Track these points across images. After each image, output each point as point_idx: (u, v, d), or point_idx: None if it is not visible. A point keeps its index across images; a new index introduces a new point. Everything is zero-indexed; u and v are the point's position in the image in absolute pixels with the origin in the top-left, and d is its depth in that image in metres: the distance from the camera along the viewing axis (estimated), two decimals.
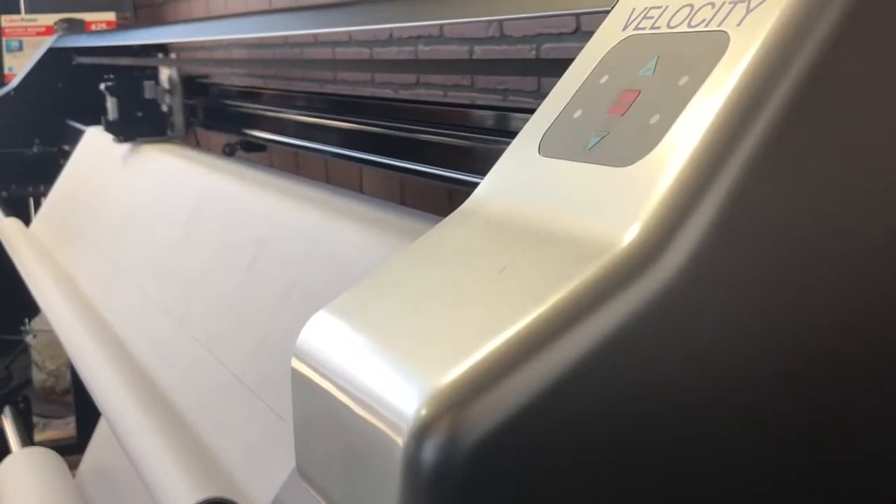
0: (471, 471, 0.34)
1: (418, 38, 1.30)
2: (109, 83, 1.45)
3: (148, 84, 1.46)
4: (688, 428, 0.36)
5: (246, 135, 1.33)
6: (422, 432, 0.34)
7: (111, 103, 1.45)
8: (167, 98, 1.46)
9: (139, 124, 1.46)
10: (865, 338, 0.38)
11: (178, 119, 1.47)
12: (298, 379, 0.42)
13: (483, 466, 0.34)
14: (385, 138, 0.98)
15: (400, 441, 0.34)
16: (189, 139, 1.77)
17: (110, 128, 1.46)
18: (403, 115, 0.98)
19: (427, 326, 0.38)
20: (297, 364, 0.42)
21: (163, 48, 1.88)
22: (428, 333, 0.37)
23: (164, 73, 1.47)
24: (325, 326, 0.42)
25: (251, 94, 1.39)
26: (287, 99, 1.29)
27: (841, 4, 0.35)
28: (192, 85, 1.49)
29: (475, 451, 0.33)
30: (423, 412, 0.34)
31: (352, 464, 0.38)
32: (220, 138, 1.42)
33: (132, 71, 1.54)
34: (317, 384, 0.40)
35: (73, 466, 1.51)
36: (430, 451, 0.34)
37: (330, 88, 1.58)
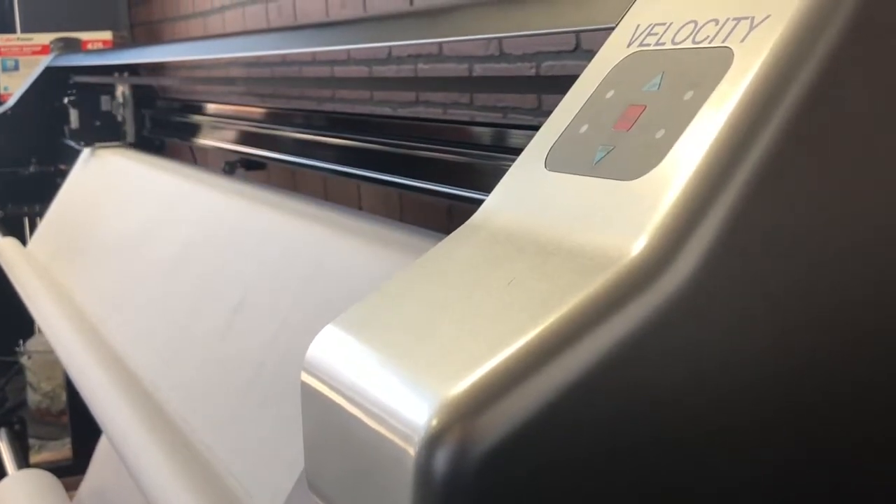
0: (482, 480, 0.34)
1: (417, 56, 1.31)
2: (72, 97, 1.77)
3: (105, 98, 1.80)
4: (696, 437, 0.36)
5: (244, 152, 1.34)
6: (433, 442, 0.34)
7: (73, 115, 1.77)
8: (121, 110, 1.79)
9: (98, 132, 1.79)
10: (874, 347, 0.38)
11: (130, 128, 1.81)
12: (308, 392, 0.42)
13: (494, 476, 0.34)
14: (384, 155, 0.99)
15: (412, 451, 0.34)
16: (185, 155, 1.78)
17: (73, 136, 1.78)
18: (402, 132, 0.99)
19: (436, 338, 0.38)
20: (306, 378, 0.42)
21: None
22: (437, 345, 0.38)
23: (119, 89, 1.78)
24: (333, 340, 0.42)
25: (194, 107, 1.59)
26: (285, 117, 1.29)
27: (843, 21, 0.36)
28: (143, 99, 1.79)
29: (486, 460, 0.34)
30: (435, 422, 0.34)
31: (362, 475, 0.38)
32: (219, 155, 1.43)
33: (94, 88, 1.84)
34: (327, 397, 0.41)
35: (69, 488, 1.51)
36: (441, 461, 0.34)
37: (328, 107, 1.59)
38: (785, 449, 0.38)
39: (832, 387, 0.38)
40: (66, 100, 1.78)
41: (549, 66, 1.05)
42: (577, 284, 0.36)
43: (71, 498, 1.47)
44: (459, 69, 1.22)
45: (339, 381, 0.40)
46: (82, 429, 1.87)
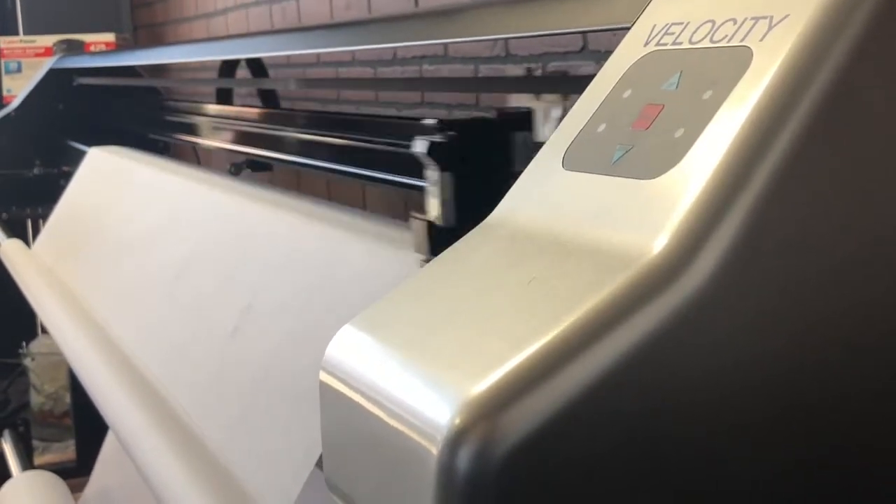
0: (505, 478, 0.34)
1: (422, 57, 1.31)
2: (438, 139, 0.61)
3: (522, 139, 0.62)
4: (717, 435, 0.36)
5: (249, 154, 1.34)
6: (456, 441, 0.34)
7: (441, 185, 0.60)
8: None
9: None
10: (891, 344, 0.38)
11: None
12: (327, 392, 0.42)
13: (517, 474, 0.34)
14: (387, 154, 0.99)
15: (434, 450, 0.35)
16: (189, 157, 1.78)
17: (439, 241, 0.60)
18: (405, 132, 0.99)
19: (457, 337, 0.38)
20: (325, 377, 0.42)
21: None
22: (458, 343, 0.38)
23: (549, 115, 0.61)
24: (352, 339, 0.42)
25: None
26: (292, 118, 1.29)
27: (862, 20, 0.36)
28: None
29: (509, 459, 0.34)
30: (458, 421, 0.34)
31: (383, 474, 0.38)
32: (224, 157, 1.43)
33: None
34: (346, 396, 0.41)
35: (73, 490, 1.51)
36: (464, 460, 0.34)
37: (333, 108, 1.59)
38: (804, 448, 0.38)
39: (852, 386, 0.38)
40: (420, 146, 0.60)
41: (556, 67, 1.05)
42: (598, 283, 0.36)
43: (76, 499, 1.48)
44: (465, 70, 1.23)
45: (358, 381, 0.40)
46: (86, 430, 1.87)
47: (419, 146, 0.61)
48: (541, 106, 0.60)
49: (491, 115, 0.62)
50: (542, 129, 0.60)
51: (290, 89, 1.78)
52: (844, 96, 0.37)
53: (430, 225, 0.60)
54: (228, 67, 1.55)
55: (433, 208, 0.61)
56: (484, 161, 0.60)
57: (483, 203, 0.52)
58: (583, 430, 0.35)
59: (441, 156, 0.60)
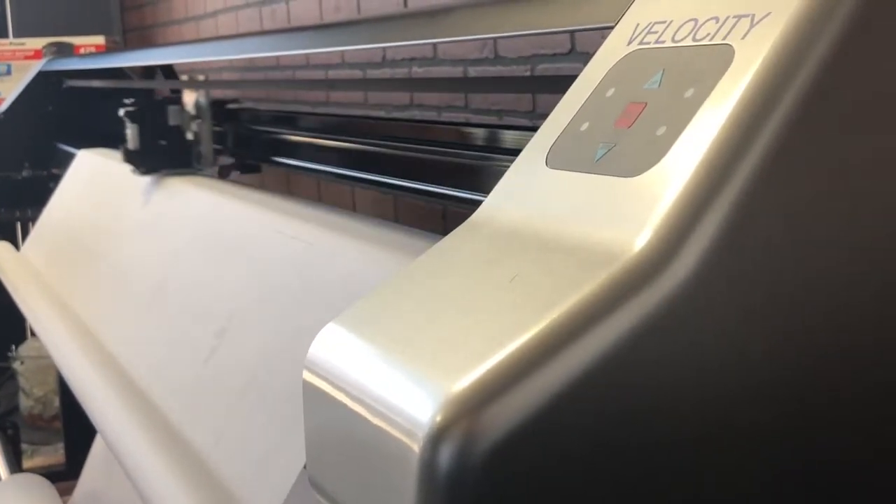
0: (487, 476, 0.34)
1: (412, 59, 1.31)
2: (130, 108, 1.28)
3: (173, 109, 1.28)
4: (699, 431, 0.36)
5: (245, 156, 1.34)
6: (438, 438, 0.34)
7: (132, 131, 1.27)
8: (193, 125, 1.29)
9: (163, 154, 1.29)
10: (873, 343, 0.39)
11: (208, 148, 1.29)
12: (310, 390, 0.42)
13: (499, 471, 0.34)
14: (378, 157, 0.99)
15: (416, 447, 0.34)
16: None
17: (131, 158, 1.29)
18: (397, 134, 0.99)
19: (439, 334, 0.38)
20: (308, 376, 0.42)
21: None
22: (440, 341, 0.38)
23: (190, 97, 1.29)
24: (335, 337, 0.42)
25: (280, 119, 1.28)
26: (286, 120, 1.29)
27: (844, 17, 0.36)
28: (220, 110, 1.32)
29: (491, 455, 0.34)
30: (439, 418, 0.34)
31: (366, 472, 0.38)
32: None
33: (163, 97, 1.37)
34: (329, 395, 0.41)
35: (62, 493, 1.50)
36: (445, 457, 0.34)
37: (322, 111, 1.59)
38: (786, 450, 0.38)
39: (835, 388, 0.38)
40: (121, 111, 1.29)
41: (545, 69, 1.05)
42: (581, 280, 0.36)
43: (64, 503, 1.47)
44: (454, 72, 1.23)
45: (341, 379, 0.40)
46: (75, 434, 1.86)
47: (120, 112, 1.30)
48: (188, 92, 1.30)
49: (160, 98, 1.32)
50: (187, 104, 1.29)
51: (281, 88, 1.78)
52: (826, 93, 0.37)
53: (127, 149, 1.29)
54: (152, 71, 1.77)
55: (130, 140, 1.29)
56: (153, 118, 1.28)
57: (152, 138, 1.29)
58: (566, 427, 0.35)
59: (131, 115, 1.28)
